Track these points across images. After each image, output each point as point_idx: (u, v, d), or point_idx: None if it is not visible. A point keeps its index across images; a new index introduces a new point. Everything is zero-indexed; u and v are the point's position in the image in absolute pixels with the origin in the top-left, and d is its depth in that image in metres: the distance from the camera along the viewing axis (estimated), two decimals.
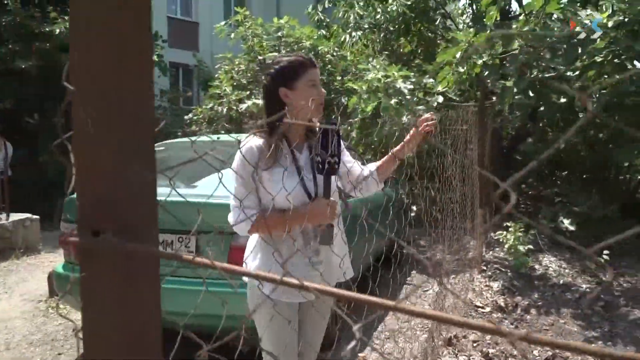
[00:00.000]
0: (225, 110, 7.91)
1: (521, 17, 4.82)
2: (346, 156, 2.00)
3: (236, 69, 9.01)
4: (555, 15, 4.51)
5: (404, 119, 5.37)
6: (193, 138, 4.27)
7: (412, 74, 5.80)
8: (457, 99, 5.82)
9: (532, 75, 4.42)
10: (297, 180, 1.77)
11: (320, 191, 1.80)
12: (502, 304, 3.98)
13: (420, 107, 5.47)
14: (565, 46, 4.34)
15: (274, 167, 1.76)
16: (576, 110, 5.19)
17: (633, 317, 3.91)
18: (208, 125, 8.77)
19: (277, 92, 1.79)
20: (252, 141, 1.79)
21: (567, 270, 4.89)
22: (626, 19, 4.37)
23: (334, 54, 8.84)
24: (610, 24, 4.40)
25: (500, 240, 5.20)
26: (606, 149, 6.29)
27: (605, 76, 4.70)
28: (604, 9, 4.43)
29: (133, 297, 0.53)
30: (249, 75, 9.07)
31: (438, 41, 9.00)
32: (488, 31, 4.61)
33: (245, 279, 1.92)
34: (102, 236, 0.52)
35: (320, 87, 1.83)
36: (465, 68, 4.73)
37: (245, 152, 1.75)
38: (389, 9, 7.24)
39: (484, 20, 4.94)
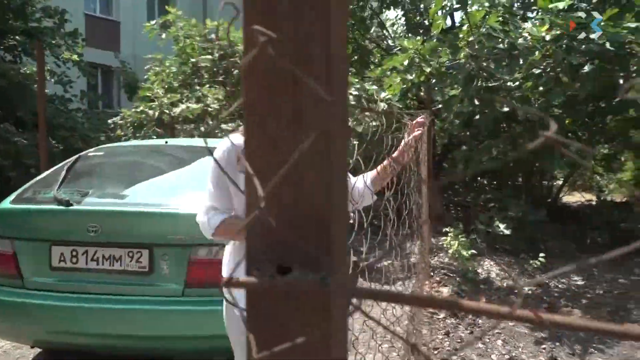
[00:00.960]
0: (157, 113, 7.51)
1: (464, 28, 4.96)
2: None
3: (167, 71, 8.62)
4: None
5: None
6: (162, 140, 3.96)
7: (356, 80, 5.80)
8: (400, 106, 5.89)
9: (477, 84, 4.56)
10: None
11: None
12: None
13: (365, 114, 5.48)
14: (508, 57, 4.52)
15: None
16: (513, 119, 5.41)
17: (574, 316, 4.08)
18: (136, 129, 8.30)
19: None
20: (230, 140, 1.71)
21: (506, 274, 5.06)
22: (559, 32, 4.61)
23: None
24: (547, 37, 4.62)
25: (444, 245, 5.29)
26: (535, 157, 6.62)
27: (541, 87, 4.94)
28: (543, 23, 4.65)
29: (324, 338, 0.39)
30: (181, 78, 8.72)
31: (372, 49, 9.14)
32: (435, 40, 4.71)
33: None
34: (292, 273, 0.37)
35: None
36: (414, 75, 4.78)
37: (219, 153, 1.69)
38: None
39: (431, 29, 5.04)
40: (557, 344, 3.65)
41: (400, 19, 9.84)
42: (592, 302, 4.41)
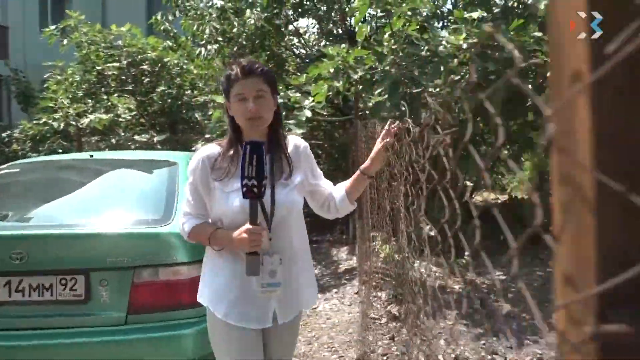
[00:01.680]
0: (62, 125, 6.94)
1: (386, 36, 5.06)
2: (311, 174, 1.91)
3: (70, 79, 8.02)
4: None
5: None
6: (86, 154, 3.60)
7: (280, 87, 5.73)
8: (325, 113, 5.89)
9: (402, 91, 4.66)
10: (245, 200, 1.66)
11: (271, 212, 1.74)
12: (396, 313, 4.07)
13: (290, 121, 5.42)
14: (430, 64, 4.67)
15: (230, 179, 1.71)
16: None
17: (505, 312, 4.29)
18: (36, 143, 7.63)
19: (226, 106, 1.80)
20: (205, 149, 1.79)
21: (437, 274, 5.22)
22: (475, 40, 4.84)
23: (183, 66, 8.40)
24: (464, 45, 4.83)
25: (376, 249, 5.35)
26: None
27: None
28: (460, 32, 4.86)
29: None
30: (85, 87, 8.16)
31: (285, 57, 9.13)
32: (359, 47, 4.77)
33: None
34: None
35: (252, 100, 1.69)
36: (341, 82, 4.80)
37: (194, 163, 1.77)
38: (246, 22, 7.09)
39: (356, 37, 5.09)
40: (495, 338, 3.80)
41: (314, 27, 9.90)
42: (517, 296, 4.65)
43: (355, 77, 4.74)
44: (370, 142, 5.65)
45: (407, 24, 4.92)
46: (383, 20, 4.77)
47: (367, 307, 4.27)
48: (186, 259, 2.37)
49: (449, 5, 6.62)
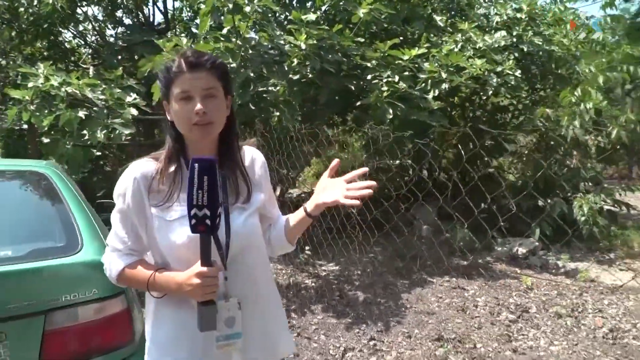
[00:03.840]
0: None
1: (224, 31, 4.86)
2: (269, 197, 1.60)
3: None
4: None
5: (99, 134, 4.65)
6: None
7: (99, 82, 5.04)
8: (150, 111, 5.38)
9: (252, 89, 4.56)
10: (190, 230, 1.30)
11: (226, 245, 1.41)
12: None
13: (116, 120, 4.82)
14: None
15: (172, 204, 1.38)
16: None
17: (361, 298, 4.57)
18: None
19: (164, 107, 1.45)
20: (137, 166, 1.42)
21: (290, 271, 5.27)
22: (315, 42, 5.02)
23: None
24: (303, 45, 4.97)
25: None
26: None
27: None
28: (299, 33, 4.96)
29: None
30: None
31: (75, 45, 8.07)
32: (202, 41, 4.48)
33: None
34: None
35: (200, 100, 1.33)
36: None
37: (126, 183, 1.40)
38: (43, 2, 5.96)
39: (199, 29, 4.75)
40: (364, 325, 4.02)
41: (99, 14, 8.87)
42: (363, 283, 4.99)
43: None
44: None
45: (241, 21, 4.81)
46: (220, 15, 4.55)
47: None
48: (110, 292, 1.93)
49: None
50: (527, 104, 7.15)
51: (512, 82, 5.84)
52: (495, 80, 5.73)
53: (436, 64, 5.53)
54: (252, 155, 1.57)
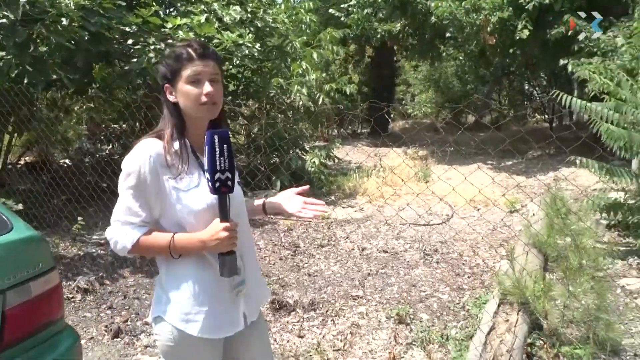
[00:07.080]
0: None
1: None
2: None
3: None
4: None
5: None
6: None
7: None
8: None
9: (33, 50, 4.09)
10: (211, 195, 1.51)
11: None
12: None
13: None
14: None
15: (183, 177, 1.53)
16: None
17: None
18: None
19: (164, 90, 1.59)
20: (150, 145, 1.52)
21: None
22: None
23: None
24: (72, 5, 4.71)
25: None
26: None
27: None
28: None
29: None
30: None
31: None
32: None
33: (151, 314, 1.66)
34: None
35: (208, 82, 1.53)
36: None
37: (142, 159, 1.50)
38: None
39: None
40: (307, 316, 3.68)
41: None
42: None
43: None
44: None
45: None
46: None
47: None
48: (49, 265, 1.97)
49: None
50: (264, 73, 8.03)
51: (256, 54, 6.65)
52: (242, 52, 6.43)
53: (191, 34, 5.88)
54: None
